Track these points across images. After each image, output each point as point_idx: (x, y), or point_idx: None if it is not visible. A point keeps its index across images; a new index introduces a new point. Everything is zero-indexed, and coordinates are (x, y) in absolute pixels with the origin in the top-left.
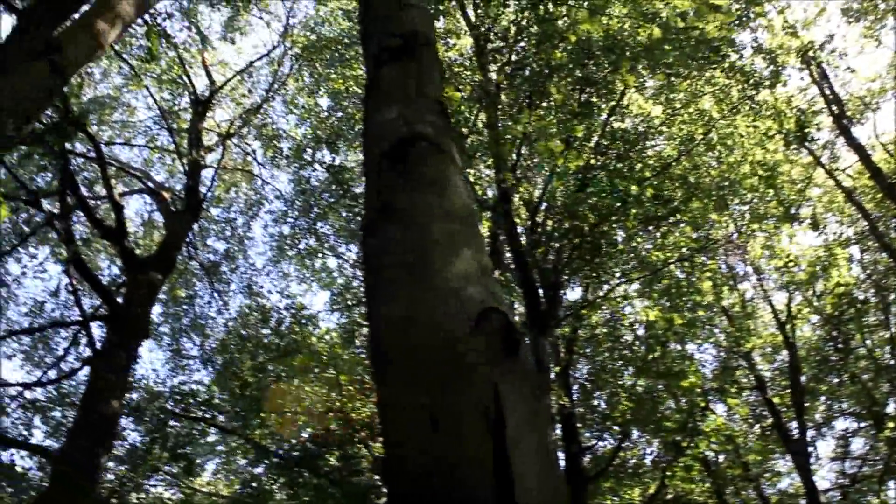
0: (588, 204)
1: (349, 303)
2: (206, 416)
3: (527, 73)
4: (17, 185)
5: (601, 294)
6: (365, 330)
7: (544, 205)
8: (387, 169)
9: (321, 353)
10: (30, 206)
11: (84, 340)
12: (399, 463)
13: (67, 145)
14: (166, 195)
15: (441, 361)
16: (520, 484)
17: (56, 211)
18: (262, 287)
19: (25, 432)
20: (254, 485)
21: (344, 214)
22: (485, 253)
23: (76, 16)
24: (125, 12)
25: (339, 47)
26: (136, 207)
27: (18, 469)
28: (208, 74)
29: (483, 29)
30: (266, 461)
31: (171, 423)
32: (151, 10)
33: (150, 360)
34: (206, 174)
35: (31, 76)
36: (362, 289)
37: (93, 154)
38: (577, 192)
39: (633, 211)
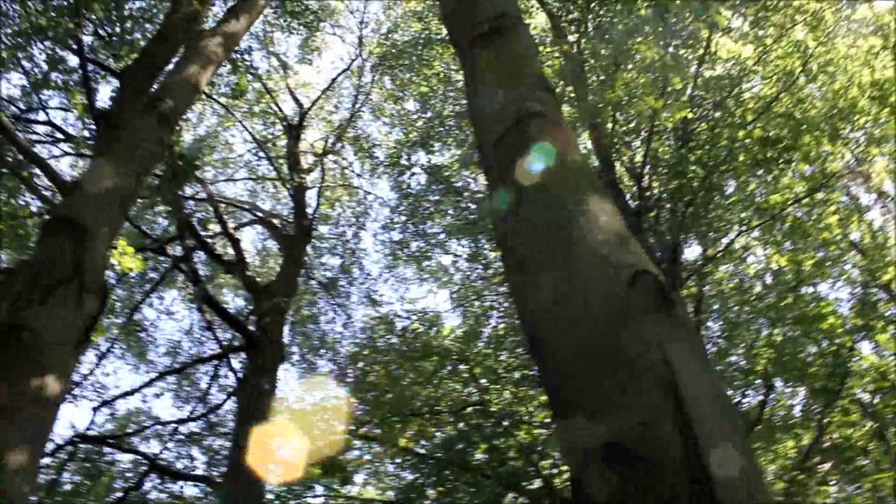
0: (693, 158)
1: (470, 298)
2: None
3: (612, 35)
4: (140, 235)
5: (721, 248)
6: (493, 321)
7: (648, 167)
8: (506, 151)
9: (451, 351)
10: (156, 253)
11: (224, 371)
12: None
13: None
14: (276, 222)
15: (602, 331)
16: (703, 435)
17: (179, 254)
18: (381, 295)
19: (188, 463)
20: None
21: (450, 212)
22: (619, 218)
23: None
24: (215, 54)
25: (416, 49)
26: (249, 238)
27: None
28: (295, 98)
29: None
30: (419, 463)
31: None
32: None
33: (287, 381)
34: (310, 195)
35: (141, 130)
36: (480, 283)
37: (202, 195)
38: (679, 148)
39: (741, 158)
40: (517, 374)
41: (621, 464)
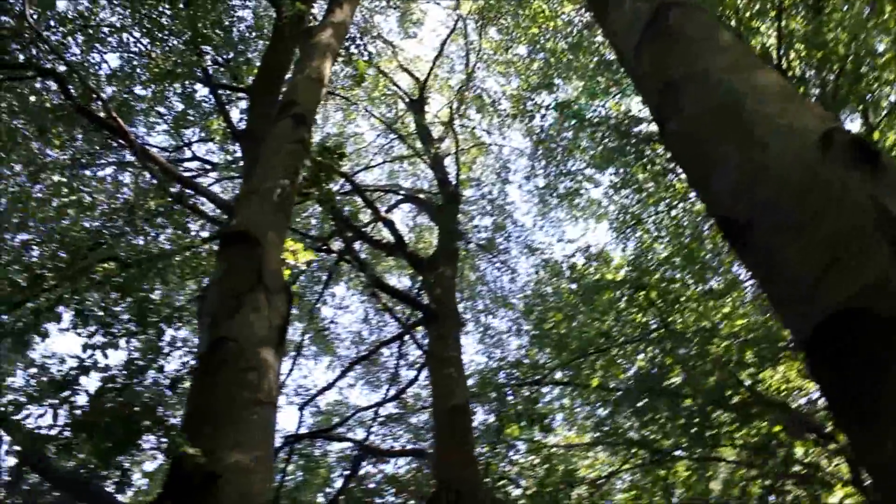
0: (832, 24)
1: (631, 224)
2: (538, 377)
3: None
4: (302, 237)
5: (886, 112)
6: (660, 242)
7: (783, 48)
8: (651, 47)
9: (624, 281)
10: (319, 251)
11: (407, 349)
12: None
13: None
14: (422, 196)
15: (808, 202)
16: None
17: (340, 247)
18: (541, 243)
19: (394, 443)
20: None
21: (590, 144)
22: (789, 85)
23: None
24: (329, 46)
25: None
26: (400, 219)
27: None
28: (410, 74)
29: None
30: (614, 398)
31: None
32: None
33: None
34: (448, 163)
35: (280, 135)
36: (637, 210)
37: (346, 187)
38: (815, 17)
39: (889, 9)
40: (699, 288)
41: (852, 329)
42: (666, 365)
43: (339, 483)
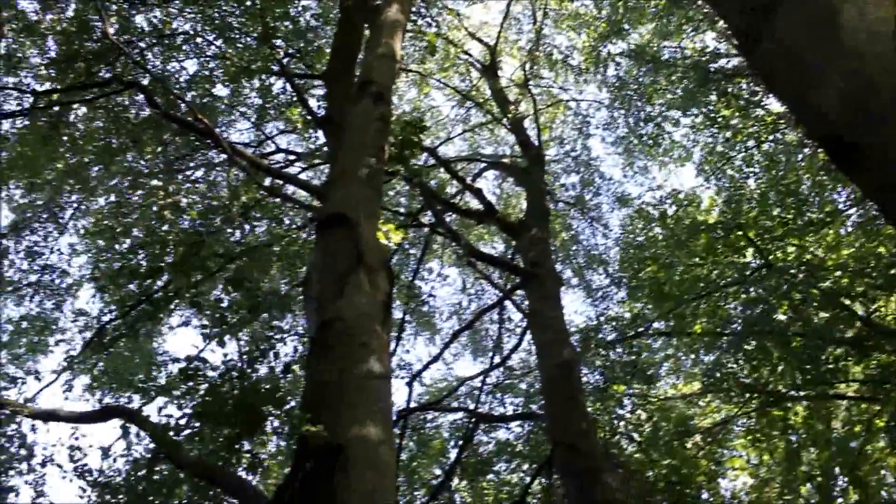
0: None
1: (719, 163)
2: (640, 330)
3: None
4: (393, 215)
5: None
6: (749, 179)
7: None
8: None
9: (718, 222)
10: (410, 227)
11: (508, 314)
12: None
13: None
14: (507, 161)
15: None
16: None
17: (431, 221)
18: (629, 194)
19: (505, 409)
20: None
21: (665, 86)
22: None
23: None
24: (397, 21)
25: None
26: (487, 187)
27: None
28: (478, 40)
29: None
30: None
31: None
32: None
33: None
34: (528, 125)
35: (361, 114)
36: (724, 148)
37: (431, 161)
38: None
39: None
40: (798, 221)
41: None
42: (772, 304)
43: (454, 453)
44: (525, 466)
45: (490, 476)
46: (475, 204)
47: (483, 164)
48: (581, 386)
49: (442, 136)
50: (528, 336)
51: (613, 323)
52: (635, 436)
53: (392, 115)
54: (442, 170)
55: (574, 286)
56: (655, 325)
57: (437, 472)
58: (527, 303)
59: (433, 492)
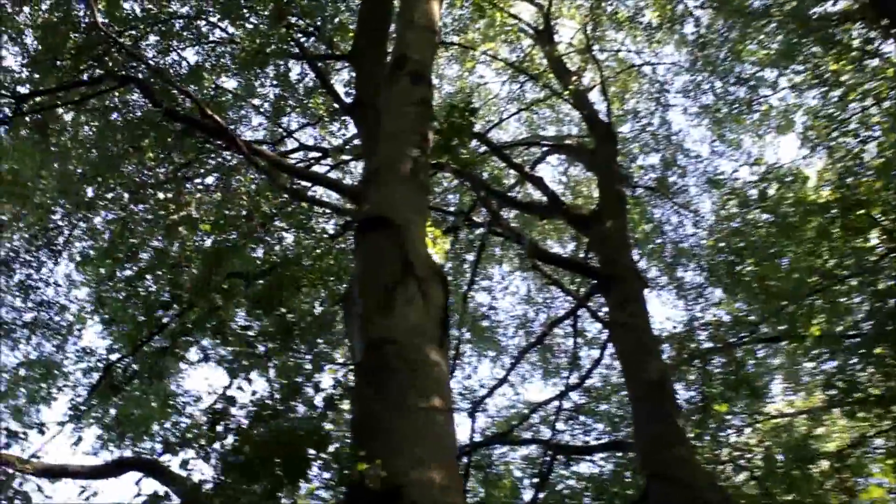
0: None
1: (828, 129)
2: (743, 336)
3: None
4: (441, 216)
5: None
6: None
7: None
8: None
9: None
10: (458, 230)
11: (583, 324)
12: None
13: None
14: (571, 142)
15: None
16: None
17: (486, 219)
18: (721, 172)
19: (584, 438)
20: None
21: (754, 37)
22: None
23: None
24: None
25: None
26: (550, 174)
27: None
28: (530, 1)
29: None
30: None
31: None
32: None
33: (653, 310)
34: (594, 97)
35: (398, 97)
36: (829, 111)
37: (482, 149)
38: None
39: None
40: None
41: None
42: None
43: (528, 494)
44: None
45: None
46: (537, 196)
47: (544, 148)
48: (676, 406)
49: (493, 118)
50: (610, 349)
51: (710, 328)
52: (745, 463)
53: (433, 97)
54: (496, 158)
55: (661, 287)
56: (761, 328)
57: None
58: (605, 310)
59: None
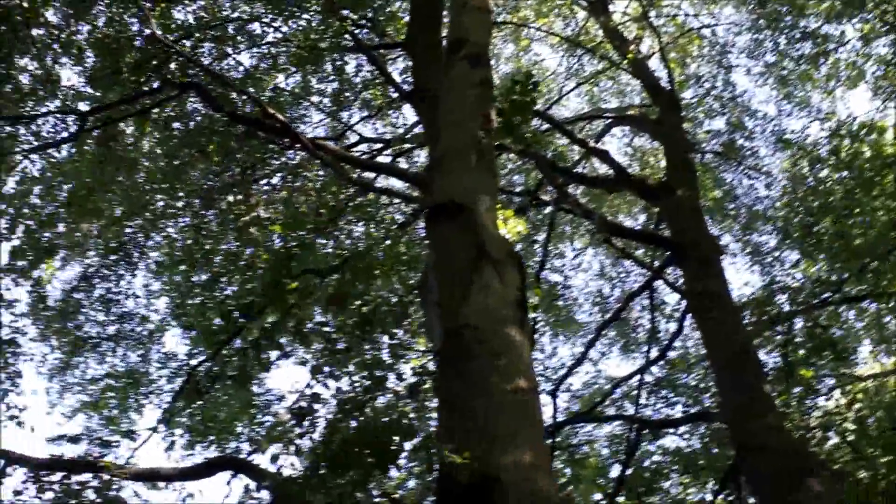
0: None
1: None
2: (826, 296)
3: None
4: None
5: None
6: None
7: None
8: None
9: None
10: (532, 208)
11: (661, 297)
12: None
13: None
14: (633, 113)
15: None
16: None
17: (553, 196)
18: (791, 131)
19: (669, 411)
20: None
21: None
22: None
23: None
24: None
25: None
26: (615, 147)
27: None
28: None
29: None
30: None
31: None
32: None
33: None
34: (654, 65)
35: (458, 80)
36: None
37: (543, 126)
38: None
39: None
40: None
41: None
42: None
43: (615, 471)
44: (704, 479)
45: (662, 495)
46: (603, 170)
47: (607, 121)
48: (761, 373)
49: (552, 95)
50: (689, 320)
51: (790, 292)
52: (836, 428)
53: (493, 78)
54: (558, 134)
55: (736, 253)
56: (844, 288)
57: (597, 496)
58: (682, 280)
59: None
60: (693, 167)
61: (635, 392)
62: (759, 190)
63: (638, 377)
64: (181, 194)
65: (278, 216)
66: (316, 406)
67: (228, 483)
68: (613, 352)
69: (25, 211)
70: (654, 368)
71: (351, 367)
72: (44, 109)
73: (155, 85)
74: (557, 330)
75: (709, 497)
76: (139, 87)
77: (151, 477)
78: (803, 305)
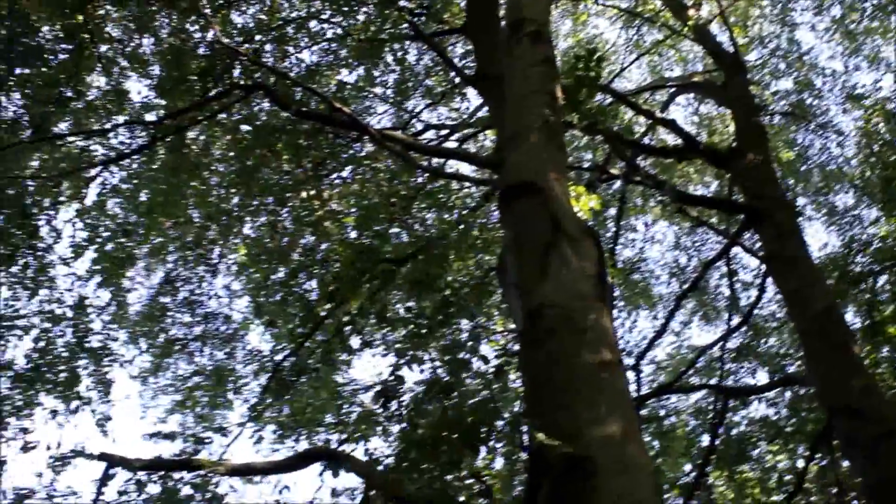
0: None
1: None
2: None
3: None
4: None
5: None
6: None
7: None
8: None
9: None
10: (601, 183)
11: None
12: None
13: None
14: (698, 79)
15: None
16: None
17: (622, 170)
18: (862, 85)
19: (753, 379)
20: None
21: None
22: None
23: None
24: None
25: None
26: (681, 116)
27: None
28: None
29: None
30: None
31: None
32: None
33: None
34: (715, 30)
35: (521, 61)
36: None
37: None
38: None
39: None
40: None
41: None
42: None
43: (704, 441)
44: (794, 445)
45: (752, 463)
46: (671, 140)
47: (671, 90)
48: (847, 334)
49: (614, 68)
50: (769, 284)
51: (870, 250)
52: None
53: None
54: (623, 107)
55: (813, 215)
56: None
57: (687, 467)
58: (760, 245)
59: (688, 491)
60: (763, 130)
61: (718, 361)
62: (832, 149)
63: (721, 345)
64: (255, 193)
65: (351, 208)
66: (400, 388)
67: (321, 474)
68: (693, 321)
69: (106, 222)
70: (737, 335)
71: (433, 353)
72: (113, 122)
73: (222, 89)
74: (636, 304)
75: (800, 463)
76: (206, 92)
77: (246, 472)
78: (886, 263)
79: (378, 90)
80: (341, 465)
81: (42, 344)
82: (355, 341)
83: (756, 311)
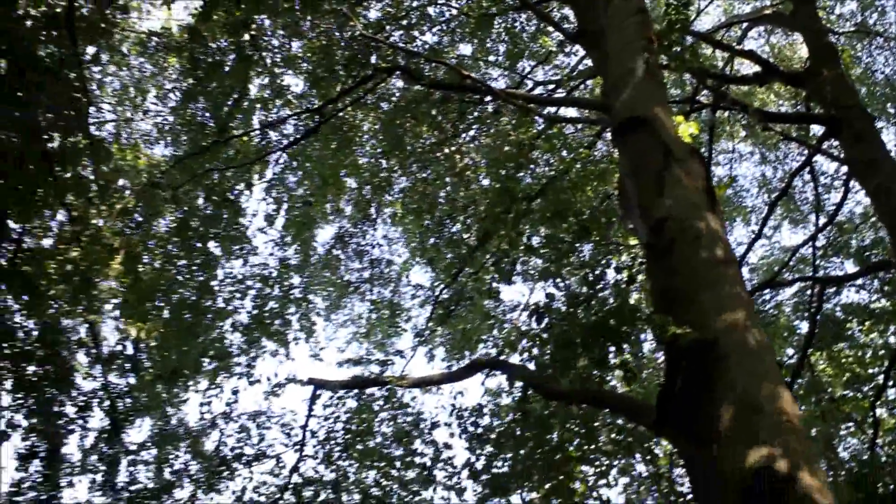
0: None
1: None
2: None
3: None
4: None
5: None
6: None
7: None
8: None
9: None
10: (695, 112)
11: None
12: None
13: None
14: (768, 12)
15: None
16: None
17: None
18: None
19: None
20: None
21: None
22: None
23: None
24: None
25: None
26: (756, 48)
27: None
28: None
29: None
30: None
31: None
32: None
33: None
34: None
35: (616, 12)
36: None
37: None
38: None
39: None
40: None
41: None
42: None
43: (802, 328)
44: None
45: (849, 343)
46: (749, 71)
47: (744, 25)
48: None
49: (691, 12)
50: (853, 187)
51: None
52: None
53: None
54: (703, 46)
55: (888, 124)
56: None
57: (790, 351)
58: (842, 152)
59: (792, 372)
60: (834, 49)
61: (811, 257)
62: None
63: (811, 244)
64: (404, 157)
65: (485, 158)
66: (552, 304)
67: (483, 382)
68: (783, 225)
69: (289, 195)
70: (826, 233)
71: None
72: (279, 115)
73: (368, 73)
74: (730, 217)
75: (892, 339)
76: (352, 78)
77: (424, 383)
78: None
79: (492, 58)
80: (504, 371)
81: (259, 301)
82: (508, 271)
83: (842, 211)
